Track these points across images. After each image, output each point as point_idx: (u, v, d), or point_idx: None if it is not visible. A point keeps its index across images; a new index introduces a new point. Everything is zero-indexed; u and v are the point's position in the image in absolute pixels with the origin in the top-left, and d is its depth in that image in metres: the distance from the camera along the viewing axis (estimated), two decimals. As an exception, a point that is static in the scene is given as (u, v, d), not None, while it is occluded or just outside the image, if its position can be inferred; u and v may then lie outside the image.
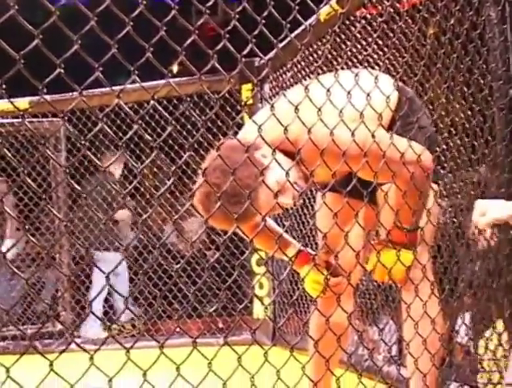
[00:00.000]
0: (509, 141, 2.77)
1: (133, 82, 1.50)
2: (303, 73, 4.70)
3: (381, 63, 3.40)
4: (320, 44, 4.39)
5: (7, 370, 1.35)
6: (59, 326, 5.93)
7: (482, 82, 2.92)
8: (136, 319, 6.16)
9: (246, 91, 5.48)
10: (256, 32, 1.76)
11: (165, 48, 1.64)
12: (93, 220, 5.94)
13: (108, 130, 1.69)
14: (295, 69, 4.75)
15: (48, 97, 4.60)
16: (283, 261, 4.62)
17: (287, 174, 2.05)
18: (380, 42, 3.52)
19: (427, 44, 2.98)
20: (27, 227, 5.81)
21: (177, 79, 5.41)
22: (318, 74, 2.79)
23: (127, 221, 6.36)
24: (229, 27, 1.68)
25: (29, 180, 1.45)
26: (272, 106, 1.91)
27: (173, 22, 1.57)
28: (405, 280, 2.37)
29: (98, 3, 1.45)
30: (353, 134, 2.07)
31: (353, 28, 3.87)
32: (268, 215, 2.22)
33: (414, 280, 2.33)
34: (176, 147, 5.71)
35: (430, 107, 3.06)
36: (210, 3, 1.62)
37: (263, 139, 1.92)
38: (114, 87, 1.74)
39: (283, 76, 5.08)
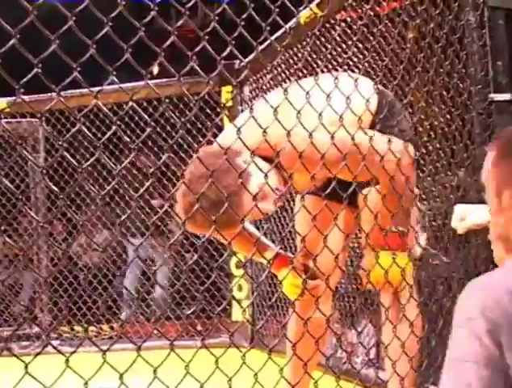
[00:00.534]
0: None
1: (112, 82, 1.49)
2: (283, 75, 4.70)
3: (361, 66, 3.40)
4: (300, 46, 4.40)
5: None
6: (36, 329, 5.88)
7: (461, 86, 2.93)
8: (113, 321, 6.12)
9: (226, 93, 5.47)
10: (236, 34, 1.76)
11: (146, 50, 1.63)
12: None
13: (86, 131, 1.68)
14: (275, 72, 4.75)
15: (26, 97, 4.56)
16: (262, 264, 4.62)
17: (266, 176, 2.04)
18: (360, 45, 3.52)
19: (407, 48, 2.98)
20: (4, 228, 5.76)
21: (156, 81, 5.39)
22: (298, 77, 2.79)
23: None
24: (209, 29, 1.68)
25: (6, 181, 1.44)
26: (251, 109, 1.91)
27: (152, 23, 1.56)
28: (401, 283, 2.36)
29: (78, 3, 1.44)
30: (332, 137, 2.07)
31: (333, 31, 3.88)
32: (249, 220, 2.22)
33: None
34: (155, 149, 5.69)
35: (410, 110, 3.07)
36: (189, 4, 1.61)
37: (243, 143, 1.92)
38: (92, 88, 1.72)
39: (263, 78, 5.08)
